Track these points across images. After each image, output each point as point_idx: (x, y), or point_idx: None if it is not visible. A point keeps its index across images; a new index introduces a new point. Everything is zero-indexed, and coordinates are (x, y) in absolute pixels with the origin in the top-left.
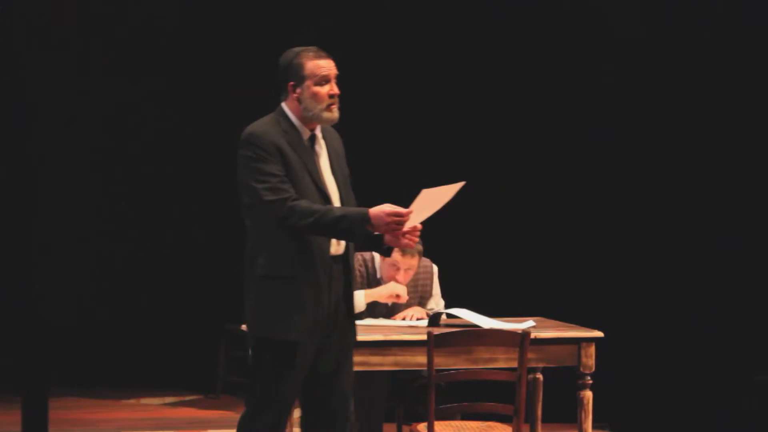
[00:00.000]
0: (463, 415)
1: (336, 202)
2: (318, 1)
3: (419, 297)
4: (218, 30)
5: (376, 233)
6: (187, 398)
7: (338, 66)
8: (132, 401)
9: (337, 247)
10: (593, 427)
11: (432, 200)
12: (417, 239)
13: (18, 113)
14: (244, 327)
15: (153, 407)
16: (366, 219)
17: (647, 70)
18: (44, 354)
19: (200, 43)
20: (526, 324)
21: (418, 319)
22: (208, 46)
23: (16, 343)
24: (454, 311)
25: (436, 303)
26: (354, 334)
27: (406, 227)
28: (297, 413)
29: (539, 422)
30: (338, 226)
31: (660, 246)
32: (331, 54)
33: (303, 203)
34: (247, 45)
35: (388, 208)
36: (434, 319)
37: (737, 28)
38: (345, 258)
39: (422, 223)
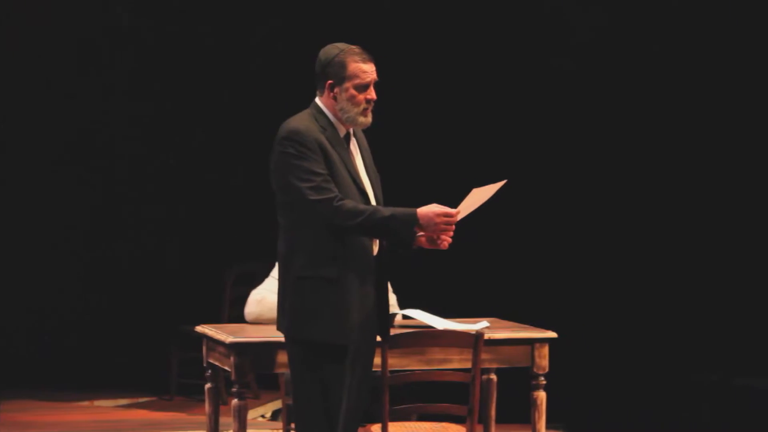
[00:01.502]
0: (418, 416)
1: (372, 201)
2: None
3: None
4: (191, 28)
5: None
6: (141, 400)
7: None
8: (85, 403)
9: (374, 247)
10: (547, 428)
11: (476, 199)
12: (451, 240)
13: None
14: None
15: (106, 409)
16: (415, 220)
17: (604, 69)
18: None
19: (161, 42)
20: (479, 325)
21: None
22: (177, 44)
23: None
24: (408, 312)
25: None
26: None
27: None
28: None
29: (493, 423)
30: (386, 227)
31: (612, 248)
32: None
33: (349, 203)
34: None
35: (437, 208)
36: None
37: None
38: (380, 259)
39: None
